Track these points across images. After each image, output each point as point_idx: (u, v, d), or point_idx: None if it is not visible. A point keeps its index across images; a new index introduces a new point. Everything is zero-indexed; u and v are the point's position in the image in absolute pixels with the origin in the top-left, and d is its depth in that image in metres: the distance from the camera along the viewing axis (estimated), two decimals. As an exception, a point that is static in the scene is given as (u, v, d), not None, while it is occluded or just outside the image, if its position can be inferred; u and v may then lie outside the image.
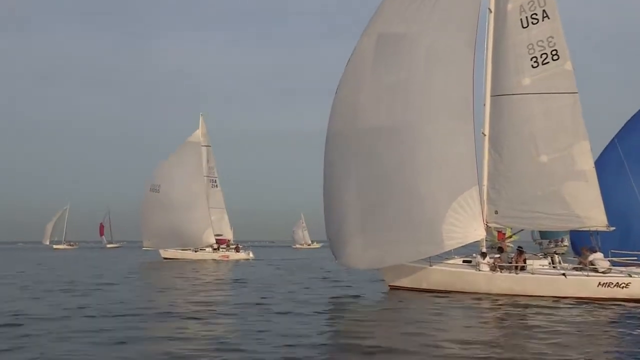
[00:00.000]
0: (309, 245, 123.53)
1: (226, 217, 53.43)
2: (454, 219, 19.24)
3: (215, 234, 51.65)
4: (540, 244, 25.03)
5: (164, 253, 50.44)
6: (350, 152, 20.51)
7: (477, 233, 19.57)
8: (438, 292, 19.50)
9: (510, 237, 22.23)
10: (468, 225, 19.31)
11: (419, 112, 19.70)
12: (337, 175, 20.94)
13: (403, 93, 19.85)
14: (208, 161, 53.26)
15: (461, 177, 19.50)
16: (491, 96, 20.45)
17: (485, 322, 14.15)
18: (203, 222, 50.21)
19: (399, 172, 19.69)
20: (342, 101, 20.97)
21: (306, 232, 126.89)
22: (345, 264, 21.53)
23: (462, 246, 19.74)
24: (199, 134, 52.90)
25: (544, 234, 25.67)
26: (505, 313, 15.53)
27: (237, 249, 52.52)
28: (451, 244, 19.35)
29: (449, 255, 20.61)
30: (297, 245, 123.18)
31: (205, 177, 52.53)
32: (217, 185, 53.58)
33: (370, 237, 19.92)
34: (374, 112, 20.06)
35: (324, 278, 27.76)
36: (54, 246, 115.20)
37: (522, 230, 21.69)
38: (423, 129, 19.66)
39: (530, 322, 13.74)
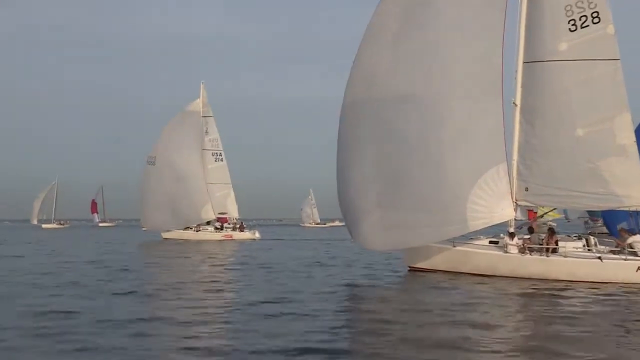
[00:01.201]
0: (318, 223, 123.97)
1: (232, 193, 53.45)
2: (479, 197, 19.29)
3: (219, 212, 52.05)
4: (586, 222, 24.66)
5: (165, 233, 51.07)
6: (368, 123, 20.56)
7: (505, 213, 19.61)
8: (461, 275, 19.68)
9: (542, 216, 22.19)
10: (495, 204, 19.36)
11: (443, 81, 19.66)
12: (353, 147, 21.04)
13: (426, 60, 19.78)
14: (208, 132, 53.21)
15: (488, 152, 19.49)
16: (524, 63, 20.29)
17: (511, 309, 14.29)
18: (200, 196, 50.51)
19: (420, 145, 19.74)
20: (360, 68, 20.96)
21: (315, 210, 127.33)
22: (362, 244, 21.71)
23: (490, 225, 19.79)
24: (199, 104, 52.99)
25: (591, 212, 25.25)
26: (533, 299, 15.66)
27: (241, 228, 52.81)
28: (476, 224, 19.45)
29: (474, 235, 20.76)
30: (306, 224, 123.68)
31: (206, 150, 52.66)
32: (222, 159, 53.57)
33: (388, 216, 20.06)
34: (395, 81, 20.05)
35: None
36: (43, 225, 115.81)
37: (554, 209, 21.72)
38: (447, 99, 19.63)
39: (560, 309, 13.86)
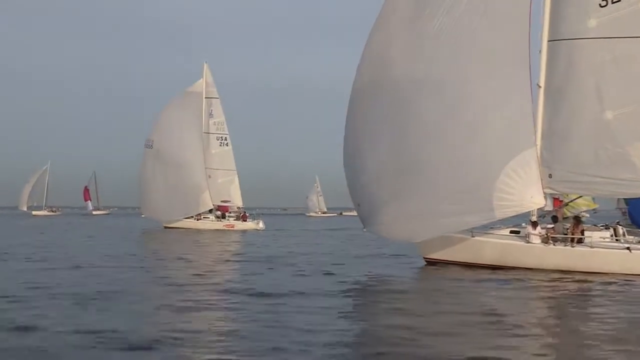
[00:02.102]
0: (325, 213, 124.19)
1: (237, 180, 53.15)
2: (506, 184, 19.07)
3: (222, 200, 52.12)
4: (625, 212, 24.34)
5: (165, 222, 51.44)
6: (382, 108, 20.44)
7: (534, 201, 19.38)
8: (481, 267, 19.68)
9: (567, 204, 22.11)
10: (524, 192, 19.17)
11: (464, 62, 19.44)
12: (366, 134, 20.97)
13: (445, 40, 19.54)
14: (212, 115, 52.92)
15: (515, 136, 19.27)
16: (548, 41, 20.10)
17: (535, 304, 14.31)
18: (197, 184, 50.55)
19: (440, 130, 19.59)
20: (373, 49, 20.84)
21: (321, 199, 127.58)
22: (377, 234, 21.76)
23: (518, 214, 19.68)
24: (201, 84, 52.89)
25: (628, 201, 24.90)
26: (558, 292, 15.69)
27: (244, 218, 52.91)
28: (503, 212, 19.33)
29: (493, 224, 20.69)
30: (312, 214, 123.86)
31: (210, 134, 52.47)
32: (227, 144, 53.27)
33: (407, 206, 19.99)
34: (412, 63, 19.87)
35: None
36: (33, 212, 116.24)
37: (580, 197, 21.65)
38: (469, 80, 19.44)
39: (587, 304, 13.90)
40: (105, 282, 16.45)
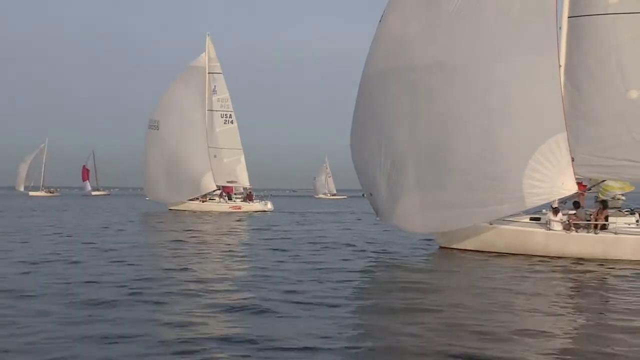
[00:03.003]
0: (334, 195, 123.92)
1: (243, 159, 53.31)
2: (536, 171, 19.02)
3: (228, 180, 52.38)
4: None
5: (170, 204, 52.11)
6: (397, 94, 20.39)
7: (566, 187, 19.27)
8: (500, 255, 19.78)
9: (589, 189, 22.09)
10: (555, 178, 19.09)
11: (488, 44, 19.27)
12: (382, 123, 20.97)
13: (466, 20, 19.40)
14: (216, 91, 52.96)
15: (545, 120, 19.16)
16: (569, 17, 20.05)
17: (556, 294, 14.41)
18: (201, 164, 50.89)
19: (464, 116, 19.49)
20: (387, 32, 20.73)
21: (330, 180, 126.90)
22: (398, 226, 21.86)
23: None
24: (204, 58, 52.89)
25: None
26: (579, 281, 15.80)
27: (249, 198, 53.08)
28: (534, 201, 19.30)
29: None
30: (320, 195, 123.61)
31: (215, 111, 52.59)
32: (232, 121, 53.27)
33: (430, 197, 20.01)
34: (431, 46, 19.74)
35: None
36: (30, 193, 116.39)
37: (604, 180, 21.67)
38: (492, 62, 19.28)
39: (610, 296, 13.99)
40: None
